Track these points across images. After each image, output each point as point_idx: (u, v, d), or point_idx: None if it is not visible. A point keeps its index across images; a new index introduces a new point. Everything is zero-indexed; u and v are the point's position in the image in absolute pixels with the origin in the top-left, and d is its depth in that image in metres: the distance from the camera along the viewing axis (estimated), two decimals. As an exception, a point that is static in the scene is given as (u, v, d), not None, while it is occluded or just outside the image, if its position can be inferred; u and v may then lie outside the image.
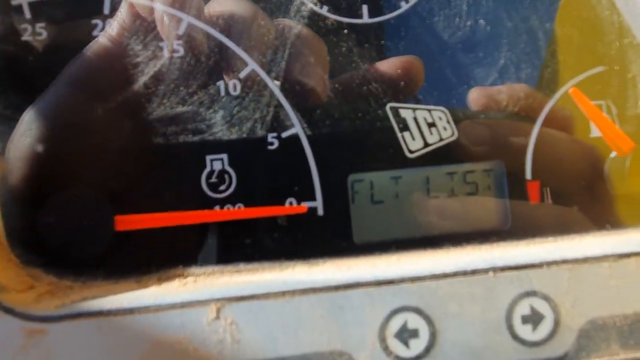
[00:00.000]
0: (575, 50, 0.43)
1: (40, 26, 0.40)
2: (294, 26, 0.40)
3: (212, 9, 0.40)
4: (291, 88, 0.40)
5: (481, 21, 0.42)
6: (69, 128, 0.38)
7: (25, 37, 0.40)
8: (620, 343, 0.37)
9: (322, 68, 0.41)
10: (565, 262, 0.37)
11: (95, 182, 0.38)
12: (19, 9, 0.40)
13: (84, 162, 0.39)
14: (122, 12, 0.39)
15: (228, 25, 0.39)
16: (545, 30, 0.43)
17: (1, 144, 0.36)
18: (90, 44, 0.39)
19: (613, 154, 0.44)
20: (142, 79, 0.39)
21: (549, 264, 0.37)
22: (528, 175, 0.44)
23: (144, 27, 0.39)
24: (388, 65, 0.42)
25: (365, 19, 0.43)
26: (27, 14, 0.40)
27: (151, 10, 0.39)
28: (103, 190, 0.38)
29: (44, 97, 0.38)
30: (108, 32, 0.39)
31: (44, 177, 0.37)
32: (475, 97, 0.43)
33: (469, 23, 0.42)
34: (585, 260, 0.37)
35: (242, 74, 0.41)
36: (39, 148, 0.37)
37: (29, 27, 0.40)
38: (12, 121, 0.37)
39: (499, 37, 0.42)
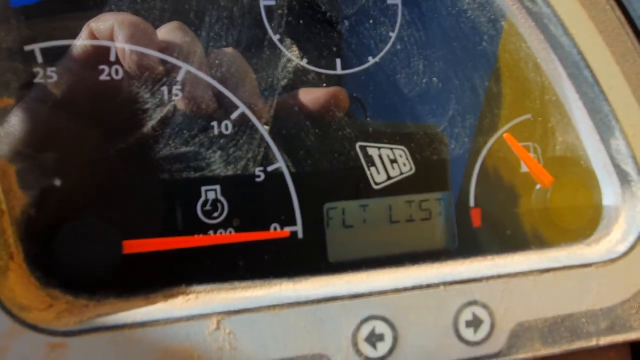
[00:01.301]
0: (508, 103, 0.53)
1: (51, 70, 0.44)
2: (281, 79, 0.47)
3: (212, 60, 0.46)
4: (278, 131, 0.47)
5: (434, 79, 0.50)
6: (85, 166, 0.43)
7: (37, 79, 0.44)
8: (541, 341, 0.46)
9: (304, 114, 0.48)
10: (499, 276, 0.46)
11: (105, 211, 0.43)
12: (31, 54, 0.44)
13: (96, 194, 0.43)
14: (83, 37, 0.43)
15: (226, 76, 0.45)
16: (485, 87, 0.52)
17: (20, 178, 0.41)
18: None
19: (537, 187, 0.54)
20: (150, 123, 0.44)
21: (487, 278, 0.45)
22: (471, 203, 0.53)
23: (150, 77, 0.44)
24: (322, 92, 0.49)
25: (339, 70, 0.50)
26: (39, 59, 0.44)
27: (110, 37, 0.43)
28: (112, 218, 0.43)
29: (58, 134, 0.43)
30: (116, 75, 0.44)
31: (61, 207, 0.42)
32: None
33: (424, 80, 0.51)
34: (515, 274, 0.46)
35: (233, 116, 0.47)
36: (57, 182, 0.41)
37: (41, 71, 0.44)
38: (31, 159, 0.41)
39: (448, 92, 0.51)
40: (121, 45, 0.43)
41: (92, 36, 0.44)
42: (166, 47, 0.45)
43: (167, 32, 0.46)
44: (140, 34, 0.44)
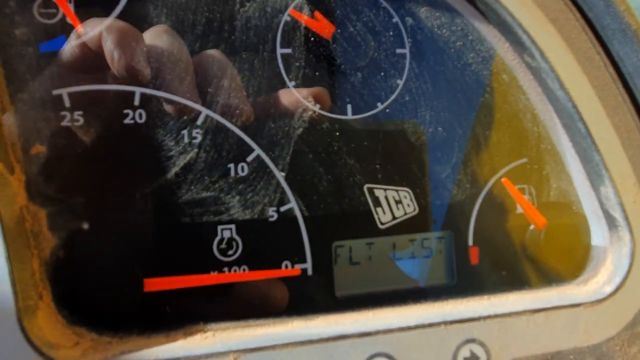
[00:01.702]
0: (507, 150, 0.56)
1: (78, 114, 0.46)
2: (297, 128, 0.50)
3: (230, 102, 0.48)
4: (293, 176, 0.50)
5: (439, 128, 0.54)
6: (109, 209, 0.45)
7: (64, 123, 0.46)
8: (532, 376, 0.50)
9: (318, 162, 0.50)
10: (496, 315, 0.49)
11: (127, 251, 0.45)
12: (59, 98, 0.46)
13: (119, 235, 0.46)
14: (72, 44, 0.44)
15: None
16: (486, 136, 0.55)
17: (50, 221, 0.43)
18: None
19: (532, 227, 0.57)
20: (174, 169, 0.46)
21: (485, 317, 0.48)
22: (470, 242, 0.56)
23: (173, 125, 0.47)
24: (308, 91, 0.51)
25: (350, 115, 0.53)
26: (67, 103, 0.46)
27: (99, 43, 0.44)
28: (134, 257, 0.45)
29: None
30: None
31: (87, 249, 0.44)
32: None
33: (430, 130, 0.54)
34: (510, 314, 0.49)
35: (249, 158, 0.50)
36: (84, 225, 0.43)
37: (68, 115, 0.46)
38: (60, 203, 0.43)
39: (451, 140, 0.54)
40: (110, 53, 0.44)
41: (81, 42, 0.45)
42: (153, 52, 0.46)
43: (153, 36, 0.47)
44: (127, 39, 0.45)
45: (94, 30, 0.45)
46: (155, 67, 0.46)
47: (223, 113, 0.48)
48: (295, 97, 0.50)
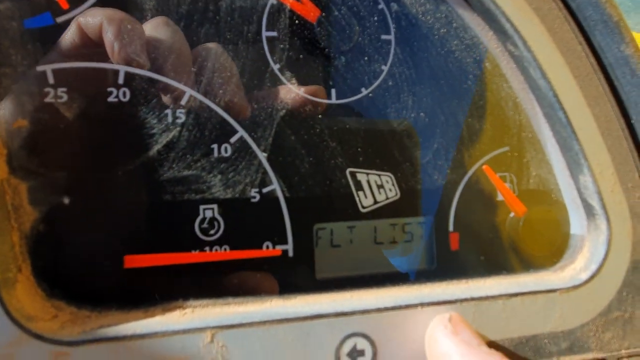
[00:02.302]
0: (488, 137, 0.57)
1: (61, 90, 0.46)
2: (280, 109, 0.50)
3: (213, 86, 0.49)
4: (275, 158, 0.50)
5: (422, 115, 0.54)
6: (91, 185, 0.45)
7: (48, 99, 0.46)
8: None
9: (300, 143, 0.51)
10: (472, 299, 0.50)
11: (108, 227, 0.46)
12: (43, 75, 0.46)
13: (100, 211, 0.46)
14: (71, 32, 0.44)
15: (229, 102, 0.48)
16: (468, 123, 0.56)
17: (31, 195, 0.43)
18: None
19: (512, 215, 0.58)
20: (156, 147, 0.47)
21: (461, 300, 0.49)
22: (451, 227, 0.57)
23: (157, 103, 0.47)
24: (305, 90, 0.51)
25: (333, 100, 0.54)
26: (51, 80, 0.46)
27: (99, 32, 0.44)
28: (115, 234, 0.46)
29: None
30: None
31: (67, 223, 0.44)
32: None
33: (412, 115, 0.54)
34: (487, 298, 0.50)
35: (232, 139, 0.50)
36: (65, 200, 0.44)
37: (52, 91, 0.46)
38: (42, 177, 0.43)
39: (433, 126, 0.55)
40: (111, 43, 0.45)
41: (81, 31, 0.45)
42: (154, 45, 0.46)
43: (153, 28, 0.47)
44: (128, 30, 0.45)
45: (95, 20, 0.45)
46: (155, 59, 0.46)
47: (206, 93, 0.49)
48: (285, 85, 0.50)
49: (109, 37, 0.45)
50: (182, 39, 0.48)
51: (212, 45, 0.49)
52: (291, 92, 0.51)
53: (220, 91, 0.49)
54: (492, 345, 0.49)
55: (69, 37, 0.45)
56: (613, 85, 0.54)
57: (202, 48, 0.49)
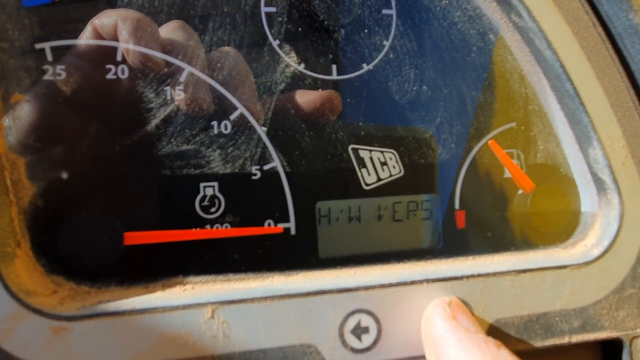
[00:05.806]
0: (494, 111, 0.55)
1: (60, 68, 0.46)
2: (280, 83, 0.49)
3: (213, 61, 0.48)
4: (275, 133, 0.49)
5: (424, 87, 0.53)
6: (91, 160, 0.45)
7: (47, 77, 0.46)
8: (517, 337, 0.49)
9: (299, 115, 0.50)
10: (480, 275, 0.48)
11: (109, 204, 0.46)
12: (41, 52, 0.46)
13: (101, 188, 0.46)
14: (87, 34, 0.45)
15: (227, 77, 0.48)
16: (473, 96, 0.55)
17: (29, 170, 0.43)
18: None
19: (520, 192, 0.57)
20: (154, 121, 0.46)
21: (468, 277, 0.48)
22: (457, 205, 0.56)
23: (154, 78, 0.47)
24: (316, 95, 0.51)
25: (334, 76, 0.53)
26: (49, 57, 0.46)
27: (114, 33, 0.45)
28: (115, 210, 0.45)
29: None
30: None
31: (67, 199, 0.44)
32: None
33: (415, 88, 0.53)
34: (494, 274, 0.49)
35: (232, 116, 0.50)
36: (64, 175, 0.44)
37: (50, 69, 0.46)
38: (40, 152, 0.43)
39: (437, 100, 0.54)
40: (125, 43, 0.45)
41: (96, 33, 0.46)
42: (168, 45, 0.47)
43: (170, 30, 0.48)
44: (143, 30, 0.45)
45: (109, 20, 0.45)
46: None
47: (205, 70, 0.48)
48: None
49: (123, 36, 0.45)
50: (197, 42, 0.48)
51: (227, 49, 0.49)
52: (290, 68, 0.50)
53: (220, 67, 0.48)
54: (496, 329, 0.47)
55: (88, 42, 0.45)
56: (622, 55, 0.52)
57: (217, 52, 0.48)
